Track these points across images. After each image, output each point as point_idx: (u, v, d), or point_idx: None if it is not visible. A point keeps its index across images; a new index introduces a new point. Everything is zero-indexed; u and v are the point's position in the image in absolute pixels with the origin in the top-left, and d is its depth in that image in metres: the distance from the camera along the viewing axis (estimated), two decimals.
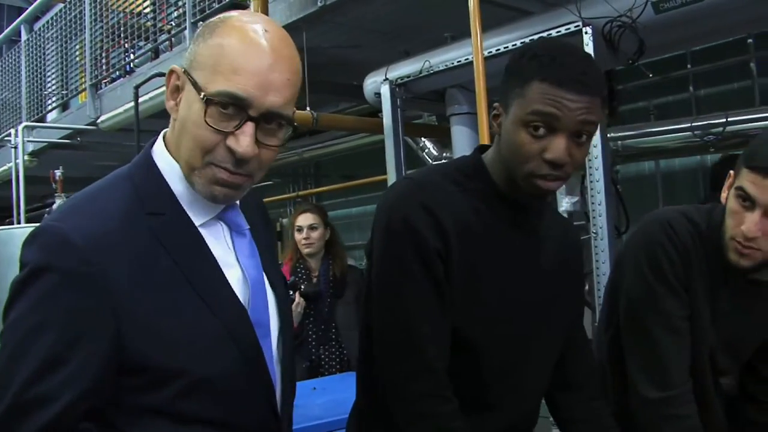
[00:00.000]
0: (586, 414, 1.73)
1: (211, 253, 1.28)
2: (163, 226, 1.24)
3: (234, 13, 1.27)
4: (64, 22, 6.99)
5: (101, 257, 1.15)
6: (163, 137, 1.32)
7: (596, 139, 3.22)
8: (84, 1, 6.43)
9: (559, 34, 3.30)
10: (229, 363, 1.24)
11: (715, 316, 1.81)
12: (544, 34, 3.32)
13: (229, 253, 1.32)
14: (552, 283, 1.63)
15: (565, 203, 3.61)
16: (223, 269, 1.28)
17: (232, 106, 1.18)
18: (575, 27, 3.25)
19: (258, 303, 1.32)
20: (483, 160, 1.61)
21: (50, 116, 7.48)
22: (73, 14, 6.76)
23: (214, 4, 4.80)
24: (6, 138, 6.94)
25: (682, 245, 1.78)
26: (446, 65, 4.06)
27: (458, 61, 3.96)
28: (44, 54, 7.41)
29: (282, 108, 1.21)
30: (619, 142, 4.09)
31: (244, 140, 1.19)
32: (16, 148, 6.57)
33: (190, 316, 1.21)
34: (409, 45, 4.49)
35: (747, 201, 1.68)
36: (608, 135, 3.75)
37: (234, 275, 1.30)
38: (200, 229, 1.28)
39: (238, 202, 1.36)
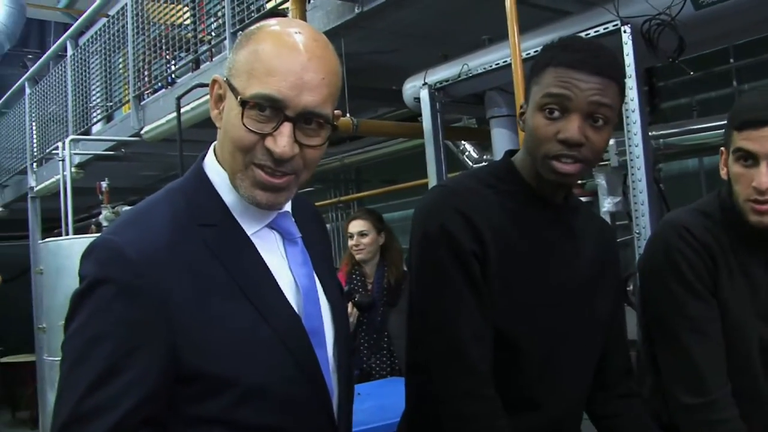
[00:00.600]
0: (619, 409, 1.74)
1: (264, 261, 1.30)
2: (216, 236, 1.26)
3: (271, 20, 1.31)
4: (107, 35, 7.10)
5: (154, 270, 1.19)
6: (213, 149, 1.35)
7: (637, 137, 3.19)
8: (126, 15, 6.53)
9: (597, 33, 3.28)
10: (283, 371, 1.26)
11: (755, 293, 1.78)
12: (583, 35, 3.29)
13: (281, 262, 1.34)
14: (590, 281, 1.65)
15: (607, 204, 3.58)
16: (275, 277, 1.30)
17: (269, 108, 1.21)
18: (614, 26, 3.22)
19: (311, 311, 1.34)
20: (513, 162, 1.64)
21: (95, 128, 7.60)
22: (116, 28, 6.87)
23: (253, 14, 4.84)
24: (54, 151, 7.07)
25: (701, 244, 1.76)
26: (484, 68, 4.05)
27: (496, 64, 3.95)
28: (89, 68, 7.53)
29: (319, 107, 1.23)
30: (662, 140, 4.03)
31: (281, 140, 1.22)
32: (63, 160, 6.69)
33: (243, 325, 1.23)
34: (447, 48, 4.47)
35: (749, 159, 1.70)
36: (650, 133, 3.70)
37: (286, 283, 1.32)
38: (253, 238, 1.30)
39: (289, 209, 1.38)
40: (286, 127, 1.22)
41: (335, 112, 1.30)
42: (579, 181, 3.78)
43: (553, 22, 3.49)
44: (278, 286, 1.30)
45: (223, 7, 5.00)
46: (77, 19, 8.14)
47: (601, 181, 3.60)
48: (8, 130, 10.20)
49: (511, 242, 1.55)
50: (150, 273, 1.18)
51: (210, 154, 1.36)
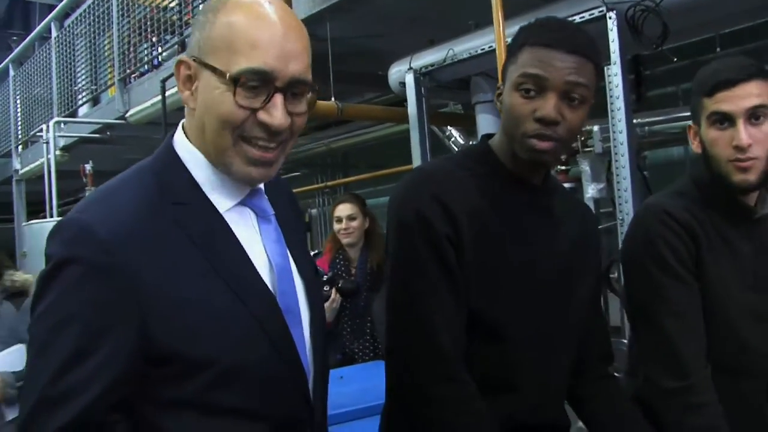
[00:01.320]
0: (594, 391, 1.75)
1: (237, 240, 1.27)
2: (187, 214, 1.23)
3: None
4: (92, 17, 7.05)
5: (125, 248, 1.15)
6: (182, 128, 1.32)
7: (621, 124, 3.20)
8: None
9: (582, 20, 3.26)
10: (259, 351, 1.24)
11: (741, 266, 1.78)
12: (569, 20, 3.28)
13: (255, 239, 1.31)
14: (569, 264, 1.64)
15: (591, 190, 3.59)
16: (249, 256, 1.28)
17: (258, 81, 1.19)
18: (599, 12, 3.21)
19: (286, 289, 1.32)
20: (490, 145, 1.64)
21: (81, 111, 7.55)
22: (101, 10, 6.82)
23: None
24: (38, 134, 7.02)
25: (681, 225, 1.75)
26: (470, 53, 4.03)
27: (482, 49, 3.93)
28: (74, 50, 7.48)
29: (303, 75, 1.23)
30: (647, 127, 4.04)
31: (276, 112, 1.21)
32: (47, 143, 6.64)
33: (218, 305, 1.21)
34: (434, 33, 4.46)
35: (724, 122, 1.71)
36: (636, 120, 3.70)
37: (260, 262, 1.30)
38: (225, 216, 1.28)
39: (262, 186, 1.36)
40: (279, 98, 1.21)
41: None
42: (563, 167, 3.79)
43: (539, 8, 3.48)
44: (252, 264, 1.28)
45: None
46: (62, 0, 8.06)
47: (585, 167, 3.60)
48: None
49: (488, 225, 1.54)
50: (120, 251, 1.15)
51: (179, 133, 1.33)
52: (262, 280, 1.28)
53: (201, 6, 5.85)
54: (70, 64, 7.53)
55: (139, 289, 1.15)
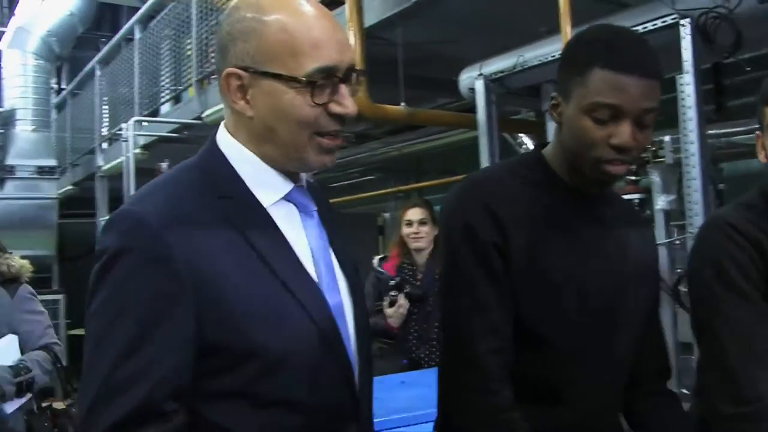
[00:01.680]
0: (650, 407, 1.70)
1: (281, 233, 1.29)
2: (234, 208, 1.26)
3: None
4: (175, 20, 7.22)
5: (177, 238, 1.18)
6: (225, 128, 1.35)
7: (693, 135, 3.12)
8: (191, 1, 6.63)
9: (654, 27, 3.19)
10: (306, 341, 1.25)
11: None
12: (640, 28, 3.21)
13: (299, 234, 1.33)
14: (624, 275, 1.61)
15: (661, 201, 3.50)
16: (293, 248, 1.30)
17: (325, 77, 1.24)
18: (672, 20, 3.14)
19: (330, 282, 1.33)
20: (543, 153, 1.63)
21: (164, 110, 7.73)
22: (178, 11, 6.98)
23: None
24: (119, 132, 7.22)
25: (746, 240, 1.66)
26: (540, 60, 3.98)
27: (552, 56, 3.86)
28: (158, 51, 7.66)
29: (354, 60, 1.30)
30: (724, 138, 3.91)
31: (346, 102, 1.27)
32: (126, 141, 6.82)
33: (266, 295, 1.22)
34: (506, 39, 4.42)
35: None
36: (713, 131, 3.60)
37: (304, 255, 1.31)
38: (269, 210, 1.30)
39: (305, 182, 1.39)
40: (344, 88, 1.27)
41: None
42: (633, 178, 3.70)
43: (609, 14, 3.41)
44: (297, 256, 1.30)
45: None
46: (146, 3, 8.28)
47: (655, 178, 3.51)
48: (80, 110, 10.46)
49: (538, 233, 1.53)
50: (173, 242, 1.17)
51: (222, 132, 1.35)
52: (308, 273, 1.30)
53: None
54: (153, 64, 7.72)
55: (192, 278, 1.17)
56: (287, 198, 1.34)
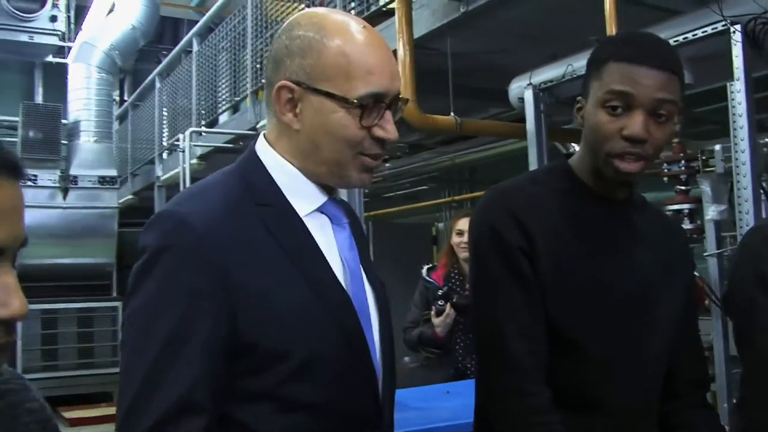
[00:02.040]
0: (688, 420, 1.67)
1: (315, 241, 1.34)
2: (271, 215, 1.32)
3: (321, 14, 1.38)
4: (232, 33, 7.35)
5: (218, 240, 1.23)
6: (265, 138, 1.41)
7: (744, 143, 3.06)
8: (247, 13, 6.74)
9: (705, 34, 3.15)
10: (334, 345, 1.29)
11: None
12: (690, 35, 3.18)
13: (331, 243, 1.38)
14: (654, 282, 1.60)
15: (711, 212, 3.44)
16: (326, 256, 1.35)
17: (374, 103, 1.31)
18: (722, 26, 3.09)
19: (357, 291, 1.37)
20: (569, 161, 1.64)
21: (222, 120, 7.86)
22: (235, 24, 7.10)
23: (364, 11, 4.90)
24: (176, 143, 7.36)
25: None
26: None
27: None
28: (216, 62, 7.80)
29: (399, 90, 1.37)
30: None
31: (390, 127, 1.34)
32: (183, 152, 6.95)
33: (297, 299, 1.27)
34: (557, 48, 4.40)
35: None
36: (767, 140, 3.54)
37: (335, 263, 1.36)
38: (305, 220, 1.35)
39: (338, 196, 1.44)
40: (389, 114, 1.34)
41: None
42: (683, 188, 3.65)
43: (658, 22, 3.38)
44: (329, 264, 1.34)
45: (336, 5, 5.08)
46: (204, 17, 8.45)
47: (705, 188, 3.45)
48: (140, 121, 10.71)
49: (565, 239, 1.54)
50: (214, 243, 1.22)
51: (262, 142, 1.40)
52: (338, 280, 1.34)
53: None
54: (211, 75, 7.86)
55: (230, 279, 1.22)
56: (321, 209, 1.39)
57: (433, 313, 4.06)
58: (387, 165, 8.59)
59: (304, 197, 1.36)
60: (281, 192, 1.35)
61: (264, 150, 1.39)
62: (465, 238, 4.00)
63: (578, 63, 3.98)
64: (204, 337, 1.19)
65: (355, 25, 1.34)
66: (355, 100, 1.29)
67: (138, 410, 1.17)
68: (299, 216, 1.35)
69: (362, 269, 1.43)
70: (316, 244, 1.34)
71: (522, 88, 4.37)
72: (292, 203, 1.35)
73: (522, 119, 5.06)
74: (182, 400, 1.17)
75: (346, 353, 1.30)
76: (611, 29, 3.10)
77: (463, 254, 4.06)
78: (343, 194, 1.52)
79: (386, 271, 7.73)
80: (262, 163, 1.37)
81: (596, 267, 1.55)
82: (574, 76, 3.97)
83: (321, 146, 1.33)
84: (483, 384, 1.60)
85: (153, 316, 1.20)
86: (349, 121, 1.30)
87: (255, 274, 1.24)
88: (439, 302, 4.04)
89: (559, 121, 5.22)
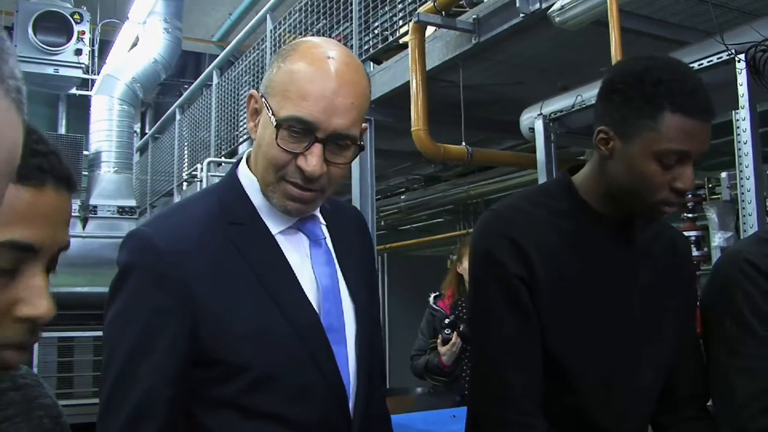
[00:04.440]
0: (680, 430, 1.66)
1: (285, 259, 1.39)
2: (242, 234, 1.37)
3: (307, 39, 1.41)
4: (252, 65, 7.47)
5: (180, 259, 1.30)
6: (246, 157, 1.47)
7: (749, 171, 3.09)
8: (266, 47, 6.87)
9: (710, 64, 3.20)
10: (295, 361, 1.34)
11: None
12: (696, 65, 3.23)
13: (305, 261, 1.42)
14: (656, 298, 1.59)
15: (718, 239, 3.47)
16: (297, 275, 1.39)
17: (301, 129, 1.30)
18: (728, 56, 3.14)
19: (330, 308, 1.41)
20: (571, 180, 1.60)
21: (241, 150, 7.94)
22: (258, 57, 7.22)
23: (378, 44, 4.99)
24: (194, 173, 7.46)
25: (763, 276, 1.59)
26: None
27: None
28: (237, 94, 7.92)
29: (347, 129, 1.33)
30: None
31: (312, 160, 1.31)
32: (201, 182, 7.05)
33: (259, 316, 1.32)
34: (568, 80, 4.47)
35: None
36: None
37: (307, 281, 1.40)
38: (278, 237, 1.40)
39: (318, 214, 1.48)
40: (317, 148, 1.32)
41: (362, 125, 1.39)
42: (689, 215, 3.68)
43: (665, 52, 3.43)
44: (298, 282, 1.38)
45: (351, 39, 5.17)
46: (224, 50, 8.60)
47: (712, 215, 3.49)
48: (160, 153, 10.85)
49: (564, 264, 1.52)
50: (176, 262, 1.29)
51: (243, 162, 1.47)
52: (306, 297, 1.38)
53: None
54: (232, 107, 7.97)
55: (192, 296, 1.28)
56: (296, 227, 1.43)
57: (439, 341, 4.09)
58: (402, 197, 8.66)
59: (277, 216, 1.41)
60: (256, 211, 1.40)
61: (243, 170, 1.45)
62: None
63: (587, 94, 4.04)
64: (161, 351, 1.27)
65: (324, 53, 1.34)
66: (275, 120, 1.31)
67: (106, 418, 1.28)
68: (271, 234, 1.40)
69: (343, 284, 1.46)
70: (286, 262, 1.39)
71: (532, 119, 4.43)
72: (266, 222, 1.40)
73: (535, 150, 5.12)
74: (136, 411, 1.25)
75: (309, 367, 1.35)
76: (617, 60, 3.15)
77: None
78: None
79: (400, 303, 7.80)
80: (240, 183, 1.43)
81: (596, 294, 1.53)
82: (584, 106, 4.02)
83: (258, 158, 1.38)
84: (478, 414, 1.59)
85: (119, 331, 1.30)
86: (273, 140, 1.32)
87: (219, 291, 1.31)
88: (446, 331, 4.06)
89: (574, 152, 5.27)
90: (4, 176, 0.41)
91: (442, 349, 4.05)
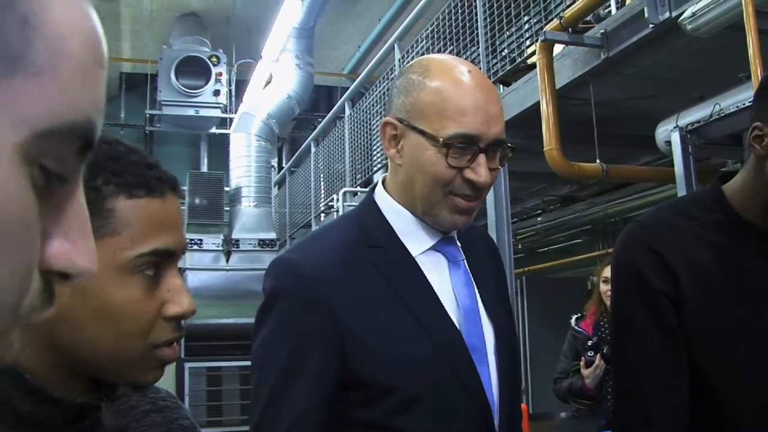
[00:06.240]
0: None
1: (426, 279, 1.40)
2: (383, 256, 1.39)
3: (427, 59, 1.43)
4: (382, 95, 7.59)
5: (325, 284, 1.33)
6: (383, 181, 1.49)
7: None
8: (395, 76, 6.95)
9: None
10: (441, 382, 1.34)
11: None
12: None
13: (445, 281, 1.43)
14: None
15: None
16: (438, 295, 1.40)
17: (465, 143, 1.33)
18: None
19: (471, 328, 1.41)
20: (723, 189, 1.51)
21: (376, 177, 8.06)
22: (388, 87, 7.33)
23: (506, 66, 4.97)
24: (330, 203, 7.62)
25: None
26: (737, 107, 3.83)
27: (751, 101, 3.71)
28: (370, 124, 8.06)
29: (501, 134, 1.38)
30: None
31: (480, 170, 1.35)
32: (337, 212, 7.19)
33: (404, 337, 1.33)
34: (704, 90, 4.31)
35: None
36: None
37: (448, 301, 1.41)
38: (418, 259, 1.41)
39: (455, 234, 1.48)
40: (482, 158, 1.35)
41: None
42: None
43: None
44: (440, 302, 1.39)
45: (479, 62, 5.18)
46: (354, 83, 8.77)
47: None
48: (298, 186, 11.16)
49: (714, 280, 1.44)
50: (321, 286, 1.33)
51: (379, 187, 1.50)
52: (449, 317, 1.39)
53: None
54: (365, 137, 8.11)
55: (338, 319, 1.31)
56: (437, 248, 1.44)
57: (582, 364, 4.00)
58: (539, 219, 8.55)
59: (417, 238, 1.43)
60: (395, 234, 1.42)
61: (380, 194, 1.48)
62: None
63: (726, 101, 3.88)
64: (312, 374, 1.30)
65: (459, 68, 1.38)
66: (441, 140, 1.33)
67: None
68: (411, 256, 1.41)
69: (481, 306, 1.46)
70: (427, 283, 1.40)
71: (668, 131, 4.29)
72: (405, 244, 1.42)
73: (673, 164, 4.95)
74: (292, 428, 1.28)
75: (455, 387, 1.35)
76: (756, 66, 3.01)
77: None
78: None
79: (540, 327, 7.67)
80: (378, 207, 1.46)
81: (747, 313, 1.45)
82: (722, 115, 3.86)
83: (415, 181, 1.39)
84: None
85: (268, 355, 1.33)
86: (438, 159, 1.33)
87: (364, 315, 1.33)
88: (589, 353, 3.98)
89: (715, 163, 5.07)
90: (94, 66, 0.42)
91: (585, 372, 3.96)
